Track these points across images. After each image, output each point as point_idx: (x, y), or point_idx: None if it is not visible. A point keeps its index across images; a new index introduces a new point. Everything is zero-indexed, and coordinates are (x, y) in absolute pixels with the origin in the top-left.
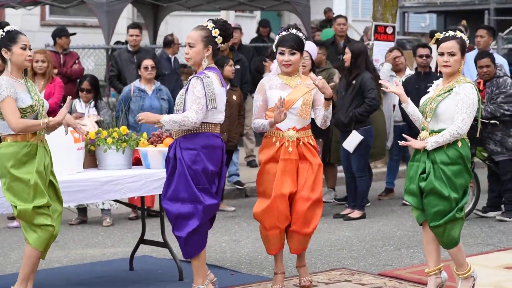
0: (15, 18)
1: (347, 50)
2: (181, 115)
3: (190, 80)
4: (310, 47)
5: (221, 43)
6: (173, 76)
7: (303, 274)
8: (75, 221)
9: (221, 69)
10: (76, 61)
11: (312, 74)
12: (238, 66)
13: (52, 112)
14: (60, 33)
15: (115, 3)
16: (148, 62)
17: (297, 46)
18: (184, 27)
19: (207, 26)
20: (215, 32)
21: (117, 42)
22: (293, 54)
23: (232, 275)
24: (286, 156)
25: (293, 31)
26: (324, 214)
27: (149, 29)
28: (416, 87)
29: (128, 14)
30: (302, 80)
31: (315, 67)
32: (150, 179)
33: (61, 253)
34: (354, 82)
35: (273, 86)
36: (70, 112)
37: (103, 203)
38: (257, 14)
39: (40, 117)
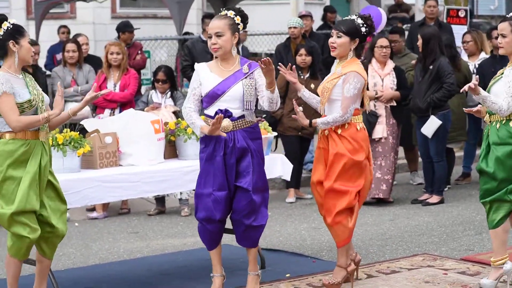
0: (87, 11)
1: (419, 36)
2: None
3: (254, 71)
4: (376, 12)
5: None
6: None
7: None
8: (154, 211)
9: (295, 58)
10: (139, 52)
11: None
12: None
13: (127, 103)
14: (124, 28)
15: None
16: None
17: (346, 29)
18: (254, 17)
19: (227, 14)
20: (238, 19)
21: (187, 33)
22: (339, 37)
23: (313, 263)
24: (319, 144)
25: (353, 17)
26: (401, 199)
27: None
28: (492, 71)
29: (198, 4)
30: (343, 66)
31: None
32: None
33: (142, 244)
34: (431, 67)
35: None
36: (147, 103)
37: (181, 193)
38: (326, 0)
39: (40, 112)
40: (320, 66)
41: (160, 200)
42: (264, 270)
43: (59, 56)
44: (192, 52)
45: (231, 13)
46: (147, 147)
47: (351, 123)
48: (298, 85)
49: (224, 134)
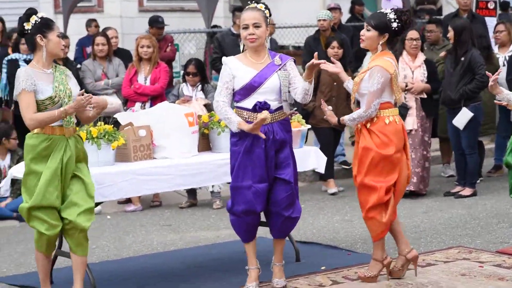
0: (114, 4)
1: (449, 28)
2: None
3: (286, 63)
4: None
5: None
6: None
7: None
8: (185, 204)
9: (326, 50)
10: (169, 44)
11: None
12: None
13: (158, 97)
14: (152, 23)
15: None
16: None
17: (375, 24)
18: (281, 9)
19: (256, 7)
20: (267, 13)
21: (215, 26)
22: (368, 30)
23: (348, 255)
24: (356, 138)
25: (388, 10)
26: (434, 192)
27: None
28: None
29: None
30: (371, 60)
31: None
32: None
33: (175, 236)
34: (462, 59)
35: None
36: (178, 96)
37: (212, 186)
38: None
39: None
40: (350, 59)
41: (192, 192)
42: (299, 262)
43: (89, 49)
44: (222, 44)
45: (261, 6)
46: (181, 140)
47: (379, 116)
48: (343, 75)
49: (263, 136)
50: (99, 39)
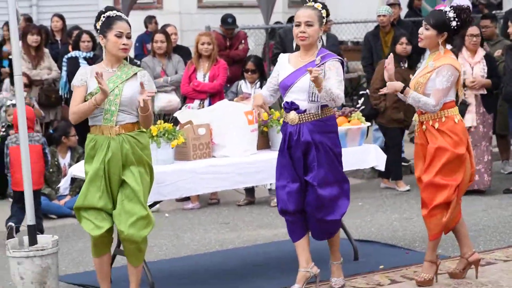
0: (173, 1)
1: (510, 23)
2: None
3: (325, 62)
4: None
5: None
6: None
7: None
8: (243, 202)
9: (393, 46)
10: (243, 41)
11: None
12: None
13: (217, 94)
14: (221, 22)
15: None
16: None
17: (433, 23)
18: (341, 4)
19: (314, 6)
20: (324, 13)
21: (277, 22)
22: (427, 29)
23: (407, 254)
24: (416, 140)
25: (447, 8)
26: (493, 189)
27: None
28: None
29: None
30: (435, 60)
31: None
32: None
33: (233, 235)
34: None
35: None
36: (236, 94)
37: (270, 184)
38: None
39: (110, 105)
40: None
41: (250, 190)
42: (357, 261)
43: (149, 46)
44: (284, 40)
45: (318, 5)
46: (241, 138)
47: (448, 116)
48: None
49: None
50: (158, 36)
